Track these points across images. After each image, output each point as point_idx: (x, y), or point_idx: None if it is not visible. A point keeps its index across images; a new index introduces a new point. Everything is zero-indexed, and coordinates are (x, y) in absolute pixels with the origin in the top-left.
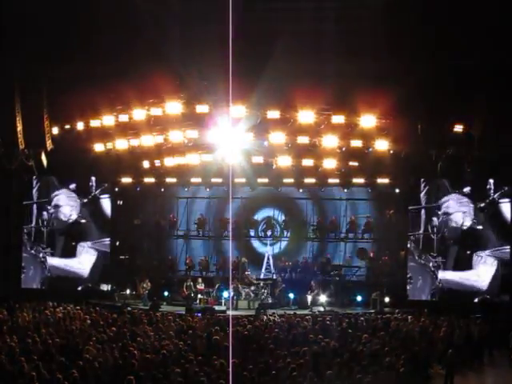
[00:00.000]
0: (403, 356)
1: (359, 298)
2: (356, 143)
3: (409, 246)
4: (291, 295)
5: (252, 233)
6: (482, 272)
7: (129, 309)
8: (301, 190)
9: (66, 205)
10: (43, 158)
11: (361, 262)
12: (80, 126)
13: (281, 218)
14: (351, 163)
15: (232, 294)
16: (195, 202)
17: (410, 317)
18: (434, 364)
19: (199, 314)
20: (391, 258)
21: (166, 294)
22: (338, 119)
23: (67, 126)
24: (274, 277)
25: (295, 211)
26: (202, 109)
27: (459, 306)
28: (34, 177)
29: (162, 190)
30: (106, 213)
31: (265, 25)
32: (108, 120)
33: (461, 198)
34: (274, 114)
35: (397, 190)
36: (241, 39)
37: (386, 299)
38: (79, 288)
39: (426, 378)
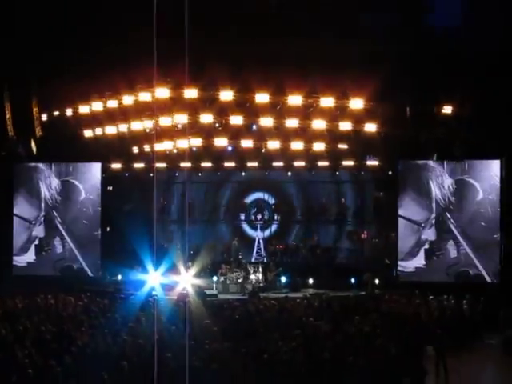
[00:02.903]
0: (395, 337)
1: (351, 281)
2: (345, 126)
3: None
4: (283, 279)
5: (242, 216)
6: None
7: (122, 296)
8: (289, 174)
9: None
10: (32, 144)
11: (351, 244)
12: (69, 112)
13: (271, 201)
14: (340, 146)
15: (222, 279)
16: (186, 187)
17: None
18: (427, 345)
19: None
20: (381, 239)
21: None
22: (327, 102)
23: (56, 113)
24: (265, 260)
25: (285, 194)
26: (190, 93)
27: (450, 287)
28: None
29: (151, 175)
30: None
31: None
32: (97, 106)
33: None
34: (263, 97)
35: (389, 173)
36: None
37: (377, 281)
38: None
39: (418, 360)
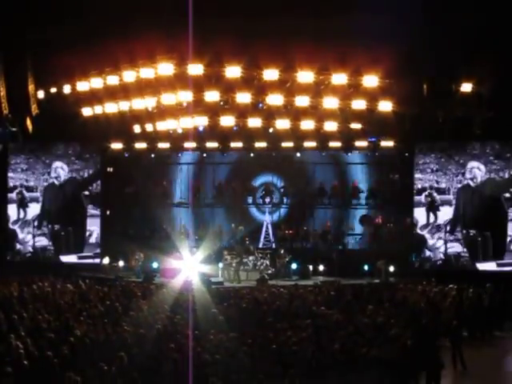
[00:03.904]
0: (410, 328)
1: (364, 268)
2: (358, 104)
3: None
4: (294, 265)
5: (250, 200)
6: None
7: (122, 283)
8: (298, 154)
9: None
10: (28, 123)
11: (364, 229)
12: (67, 89)
13: (280, 183)
14: (353, 125)
15: (222, 265)
16: (190, 168)
17: (419, 286)
18: (443, 336)
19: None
20: (396, 224)
21: (155, 265)
22: (339, 79)
23: (53, 90)
24: (274, 246)
25: (295, 177)
26: (195, 69)
27: (469, 275)
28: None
29: (152, 155)
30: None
31: None
32: (96, 82)
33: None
34: (271, 74)
35: (406, 154)
36: None
37: (391, 268)
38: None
39: (434, 352)
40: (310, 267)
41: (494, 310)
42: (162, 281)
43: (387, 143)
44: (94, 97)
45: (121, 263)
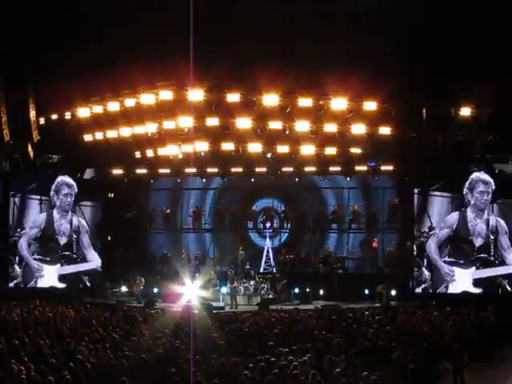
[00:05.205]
0: (411, 351)
1: (365, 292)
2: (358, 129)
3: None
4: (296, 290)
5: (250, 225)
6: None
7: (123, 308)
8: (296, 180)
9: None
10: (30, 149)
11: (365, 253)
12: (68, 115)
13: (280, 208)
14: (353, 150)
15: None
16: (190, 194)
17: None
18: (444, 359)
19: None
20: (397, 249)
21: (155, 290)
22: (339, 104)
23: (54, 116)
24: (274, 271)
25: (295, 201)
26: (195, 95)
27: (469, 298)
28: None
29: (152, 181)
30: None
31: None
32: (97, 109)
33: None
34: (271, 99)
35: (406, 179)
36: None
37: (393, 292)
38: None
39: (435, 374)
40: (311, 291)
41: (495, 332)
42: (163, 306)
43: (387, 167)
44: (94, 123)
45: (122, 288)
